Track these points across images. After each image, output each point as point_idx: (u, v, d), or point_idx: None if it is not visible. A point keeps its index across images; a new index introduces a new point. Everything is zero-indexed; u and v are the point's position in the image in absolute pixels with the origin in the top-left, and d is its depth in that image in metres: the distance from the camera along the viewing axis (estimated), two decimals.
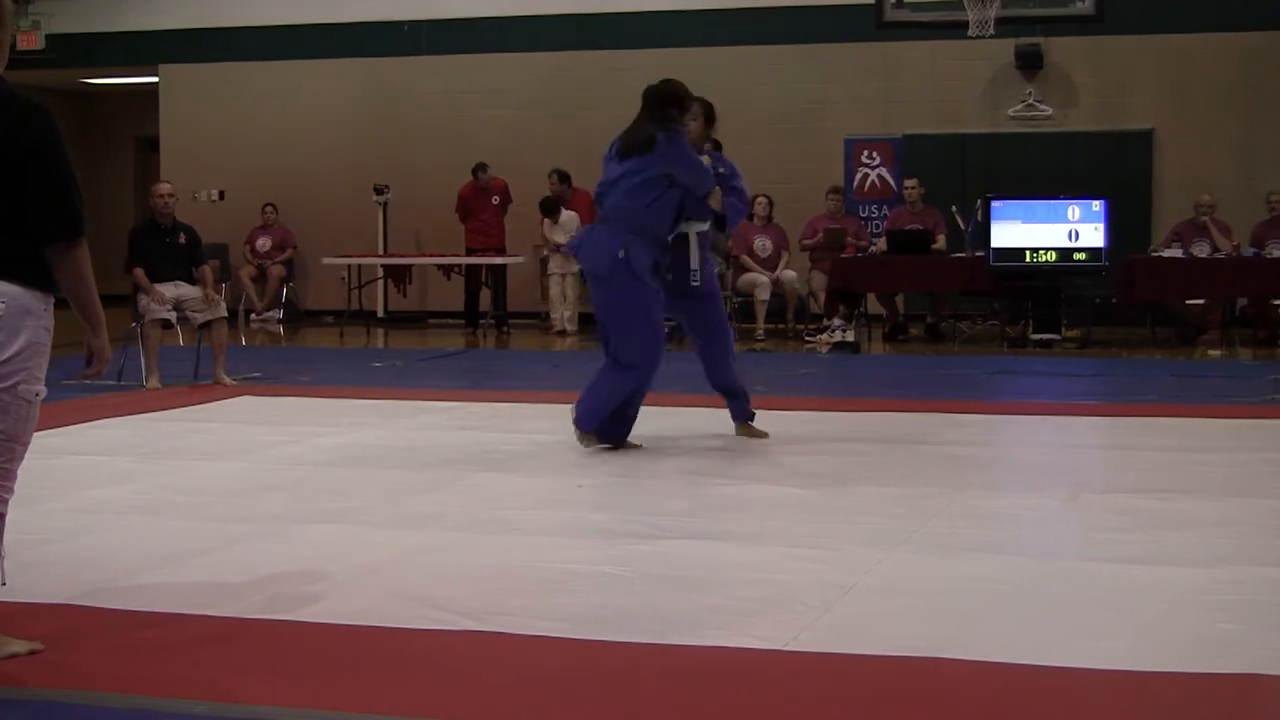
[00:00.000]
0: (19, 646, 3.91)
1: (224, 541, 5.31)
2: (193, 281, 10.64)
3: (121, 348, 10.76)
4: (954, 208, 14.66)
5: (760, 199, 15.19)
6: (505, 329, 16.41)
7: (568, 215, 15.80)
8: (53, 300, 3.91)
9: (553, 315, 16.04)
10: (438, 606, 4.38)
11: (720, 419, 7.88)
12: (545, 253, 16.24)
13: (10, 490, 3.92)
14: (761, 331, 14.86)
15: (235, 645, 4.10)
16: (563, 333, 15.59)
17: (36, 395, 3.89)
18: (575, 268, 15.51)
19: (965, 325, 15.27)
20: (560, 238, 15.71)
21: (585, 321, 14.98)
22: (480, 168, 16.61)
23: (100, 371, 4.13)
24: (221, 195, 18.73)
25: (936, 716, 3.50)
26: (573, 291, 15.62)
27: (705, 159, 7.42)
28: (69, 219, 3.86)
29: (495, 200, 16.71)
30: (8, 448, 3.86)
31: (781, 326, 15.44)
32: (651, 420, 7.69)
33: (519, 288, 17.05)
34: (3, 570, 4.00)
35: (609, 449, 7.25)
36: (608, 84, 17.31)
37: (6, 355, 3.81)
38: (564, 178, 15.92)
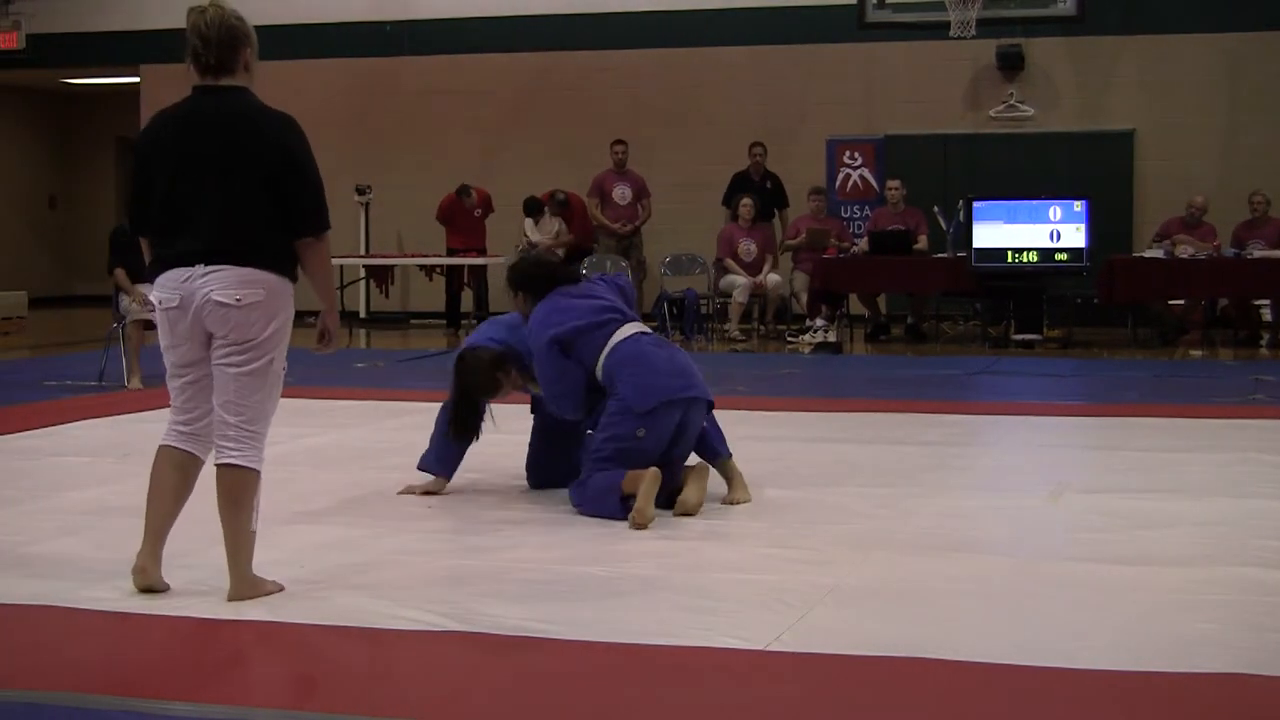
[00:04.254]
0: (272, 587, 4.49)
1: (205, 542, 5.29)
2: None
3: (103, 349, 10.75)
4: (936, 208, 14.68)
5: (745, 201, 15.21)
6: None
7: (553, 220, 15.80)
8: (292, 288, 4.45)
9: None
10: (420, 608, 4.38)
11: None
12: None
13: (260, 454, 4.47)
14: (737, 331, 14.83)
15: (216, 646, 4.10)
16: None
17: (284, 370, 4.47)
18: None
19: (947, 326, 15.32)
20: (538, 237, 15.66)
21: None
22: (464, 191, 16.46)
23: (329, 345, 4.69)
24: None
25: (918, 716, 3.51)
26: None
27: None
28: (321, 215, 4.53)
29: (478, 212, 16.64)
30: (260, 414, 4.41)
31: (762, 327, 15.46)
32: None
33: (500, 288, 16.99)
34: (256, 517, 4.55)
35: None
36: (591, 84, 17.35)
37: (266, 334, 4.37)
38: (563, 205, 15.81)
